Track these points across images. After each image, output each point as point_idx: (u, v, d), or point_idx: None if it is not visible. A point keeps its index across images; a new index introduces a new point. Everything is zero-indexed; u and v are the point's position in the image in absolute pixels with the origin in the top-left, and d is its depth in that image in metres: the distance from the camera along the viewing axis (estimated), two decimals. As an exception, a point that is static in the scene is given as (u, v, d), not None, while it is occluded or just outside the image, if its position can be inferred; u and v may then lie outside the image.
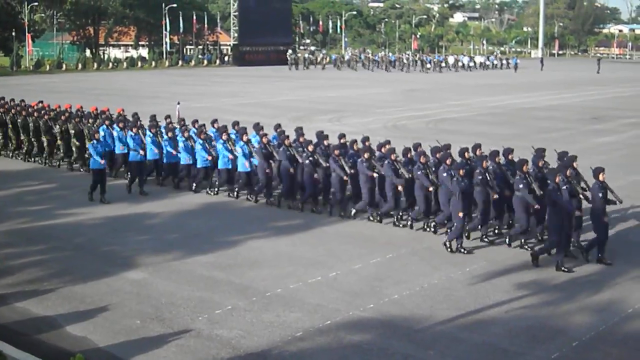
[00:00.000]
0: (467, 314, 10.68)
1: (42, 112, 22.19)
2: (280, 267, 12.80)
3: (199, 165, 18.30)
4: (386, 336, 9.94)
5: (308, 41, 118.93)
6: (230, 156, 17.60)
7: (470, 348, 9.63)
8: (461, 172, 13.63)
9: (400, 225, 15.32)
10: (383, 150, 15.87)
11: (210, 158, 18.00)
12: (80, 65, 73.45)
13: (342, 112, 36.41)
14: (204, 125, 19.18)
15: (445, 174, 13.89)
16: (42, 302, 11.09)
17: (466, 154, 14.94)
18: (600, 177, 12.94)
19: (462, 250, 13.49)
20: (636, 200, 16.66)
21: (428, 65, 74.82)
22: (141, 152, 18.37)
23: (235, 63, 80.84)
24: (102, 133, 19.21)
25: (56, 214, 16.47)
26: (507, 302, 11.12)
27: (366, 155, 15.47)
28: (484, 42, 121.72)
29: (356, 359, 9.31)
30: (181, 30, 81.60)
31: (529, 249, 13.55)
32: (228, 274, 12.38)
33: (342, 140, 16.95)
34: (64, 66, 72.21)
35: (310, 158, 16.28)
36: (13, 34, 68.58)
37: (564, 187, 12.79)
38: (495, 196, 13.95)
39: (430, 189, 14.59)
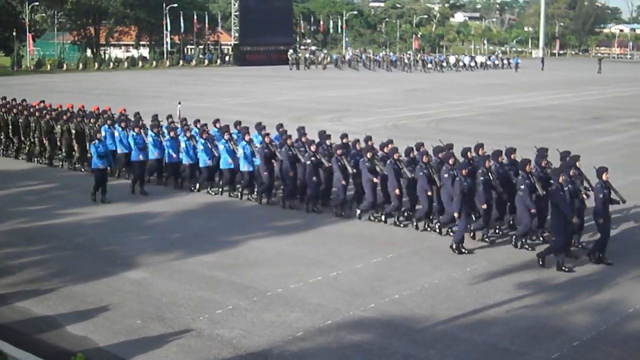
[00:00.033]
0: (468, 313, 10.68)
1: (44, 112, 22.20)
2: (281, 266, 12.80)
3: (201, 165, 18.30)
4: (387, 336, 9.94)
5: (309, 41, 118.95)
6: (230, 160, 17.59)
7: (470, 348, 9.63)
8: (464, 172, 13.62)
9: (401, 225, 15.31)
10: (385, 149, 15.86)
11: (209, 162, 18.01)
12: (81, 65, 73.38)
13: (343, 112, 36.39)
14: (206, 124, 19.15)
15: (446, 175, 13.87)
16: (42, 302, 11.09)
17: (469, 153, 14.91)
18: (604, 177, 12.94)
19: (463, 250, 13.50)
20: (636, 200, 16.63)
21: (429, 65, 74.78)
22: (141, 156, 18.38)
23: (236, 63, 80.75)
24: (103, 133, 19.22)
25: (56, 213, 16.47)
26: (508, 302, 11.12)
27: (369, 155, 15.46)
28: (485, 41, 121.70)
29: (357, 359, 9.31)
30: (182, 30, 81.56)
31: (531, 249, 13.56)
32: (229, 274, 12.38)
33: (344, 140, 16.95)
34: (64, 66, 72.16)
35: (313, 158, 16.28)
36: (14, 33, 68.58)
37: (567, 187, 12.79)
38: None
39: (429, 193, 14.57)
